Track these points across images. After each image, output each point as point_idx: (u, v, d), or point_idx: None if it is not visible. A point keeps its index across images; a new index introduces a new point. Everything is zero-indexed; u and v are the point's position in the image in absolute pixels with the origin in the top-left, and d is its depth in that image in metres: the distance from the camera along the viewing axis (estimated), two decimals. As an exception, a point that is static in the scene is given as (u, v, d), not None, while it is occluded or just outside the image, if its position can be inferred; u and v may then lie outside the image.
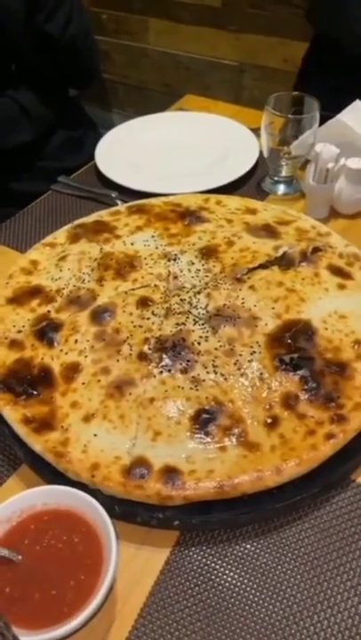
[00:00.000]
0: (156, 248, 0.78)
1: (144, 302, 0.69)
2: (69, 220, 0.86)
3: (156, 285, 0.72)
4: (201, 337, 0.65)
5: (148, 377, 0.62)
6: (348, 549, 0.54)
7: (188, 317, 0.68)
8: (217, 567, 0.54)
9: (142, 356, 0.64)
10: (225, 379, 0.62)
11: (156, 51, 2.18)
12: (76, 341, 0.66)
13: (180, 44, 2.09)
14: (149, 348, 0.64)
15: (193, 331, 0.66)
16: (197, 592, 0.53)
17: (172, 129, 1.13)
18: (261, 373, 0.62)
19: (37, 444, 0.58)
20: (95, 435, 0.58)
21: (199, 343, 0.65)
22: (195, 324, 0.67)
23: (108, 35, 2.24)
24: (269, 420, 0.59)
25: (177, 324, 0.67)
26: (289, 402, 0.60)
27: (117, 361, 0.64)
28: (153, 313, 0.68)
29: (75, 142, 1.29)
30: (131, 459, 0.56)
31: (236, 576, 0.53)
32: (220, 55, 1.99)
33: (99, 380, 0.62)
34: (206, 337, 0.65)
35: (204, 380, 0.62)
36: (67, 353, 0.65)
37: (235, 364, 0.63)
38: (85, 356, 0.65)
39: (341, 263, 0.75)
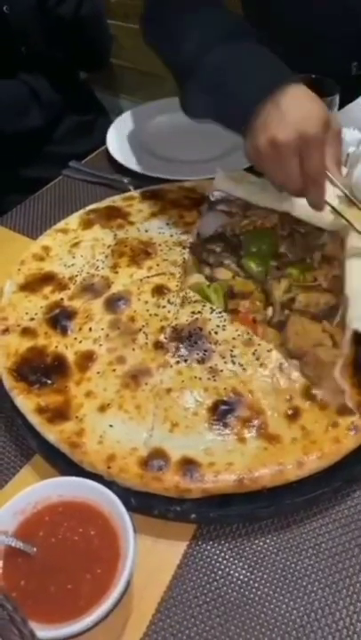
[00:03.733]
0: (171, 236, 0.76)
1: (160, 290, 0.68)
2: (81, 205, 0.84)
3: (171, 273, 0.70)
4: (218, 326, 0.64)
5: (164, 367, 0.60)
6: (371, 545, 0.53)
7: (204, 306, 0.66)
8: (235, 562, 0.53)
9: (158, 345, 0.62)
10: (243, 369, 0.60)
11: (166, 35, 2.13)
12: (90, 329, 0.65)
13: (190, 29, 2.04)
14: (165, 337, 0.63)
15: (210, 319, 0.64)
16: (215, 587, 0.51)
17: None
18: (281, 363, 0.60)
19: (52, 434, 0.57)
20: (111, 425, 0.56)
21: (216, 332, 0.63)
22: (211, 313, 0.65)
23: (117, 19, 2.19)
24: (290, 412, 0.57)
25: (193, 312, 0.65)
26: (310, 392, 0.58)
27: (133, 350, 0.62)
28: (169, 301, 0.66)
29: (85, 127, 1.26)
30: (148, 450, 0.55)
31: (254, 571, 0.52)
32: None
33: (114, 370, 0.61)
34: (224, 326, 0.64)
35: (221, 371, 0.60)
36: (81, 341, 0.64)
37: (253, 353, 0.61)
38: (100, 345, 0.63)
39: None
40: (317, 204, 0.65)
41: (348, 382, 0.57)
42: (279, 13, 1.03)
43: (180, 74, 0.76)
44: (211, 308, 0.65)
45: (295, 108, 0.61)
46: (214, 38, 0.71)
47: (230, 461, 0.54)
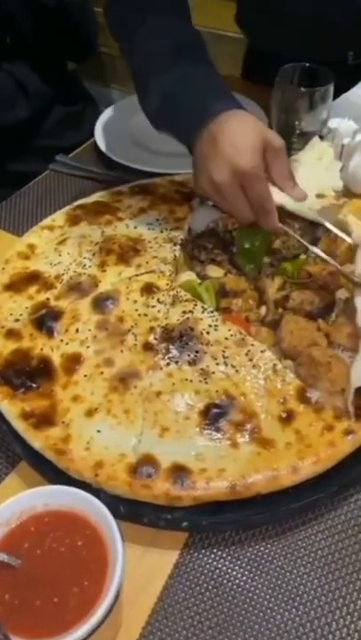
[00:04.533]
0: (161, 232, 0.73)
1: (149, 289, 0.65)
2: (68, 201, 0.82)
3: (161, 271, 0.68)
4: (210, 326, 0.61)
5: (154, 369, 0.58)
6: (368, 552, 0.51)
7: (195, 305, 0.63)
8: (228, 570, 0.51)
9: (148, 347, 0.60)
10: (236, 370, 0.58)
11: (156, 23, 2.09)
12: (77, 331, 0.62)
13: (182, 17, 2.00)
14: (155, 338, 0.61)
15: (201, 319, 0.62)
16: (208, 597, 0.50)
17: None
18: (275, 364, 0.58)
19: (37, 440, 0.55)
20: (98, 431, 0.54)
21: (208, 332, 0.61)
22: (203, 312, 0.63)
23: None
24: (284, 415, 0.55)
25: (184, 312, 0.63)
26: (305, 394, 0.56)
27: (121, 352, 0.60)
28: (159, 300, 0.64)
29: (73, 118, 1.23)
30: (137, 456, 0.53)
31: (248, 580, 0.51)
32: (224, 27, 1.91)
33: (102, 373, 0.59)
34: (216, 326, 0.61)
35: (213, 373, 0.58)
36: (67, 343, 0.61)
37: (246, 354, 0.59)
38: (87, 347, 0.61)
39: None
40: (272, 229, 0.65)
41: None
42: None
43: (134, 74, 0.76)
44: (202, 307, 0.63)
45: (228, 143, 0.60)
46: (166, 50, 0.71)
47: (222, 467, 0.52)
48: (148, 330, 0.61)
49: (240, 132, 0.61)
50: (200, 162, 0.64)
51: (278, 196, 0.74)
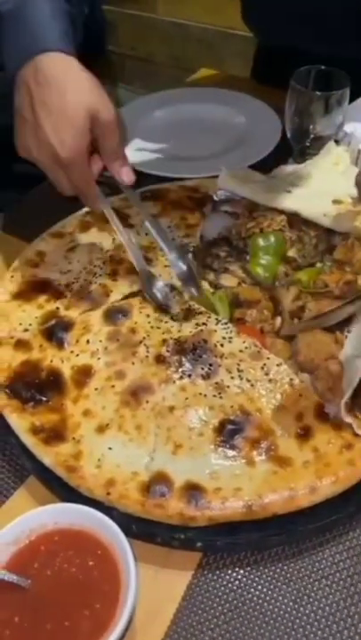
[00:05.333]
0: (173, 239, 0.72)
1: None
2: (78, 206, 0.79)
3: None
4: (224, 338, 0.60)
5: (166, 382, 0.57)
6: (388, 575, 0.50)
7: (209, 317, 0.62)
8: (244, 593, 0.50)
9: (160, 359, 0.58)
10: (251, 385, 0.56)
11: (165, 21, 2.07)
12: (87, 342, 0.61)
13: (190, 14, 1.98)
14: (168, 350, 0.59)
15: (215, 331, 0.60)
16: (223, 621, 0.48)
17: (186, 106, 1.06)
18: (292, 379, 0.57)
19: (47, 456, 0.53)
20: (110, 448, 0.53)
21: (222, 345, 0.59)
22: (217, 324, 0.61)
23: (113, 4, 2.12)
24: (301, 432, 0.53)
25: (197, 324, 0.61)
26: (323, 411, 0.55)
27: (133, 364, 0.58)
28: (172, 314, 0.62)
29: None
30: (149, 474, 0.51)
31: (265, 603, 0.49)
32: (233, 26, 1.89)
33: (113, 386, 0.57)
34: (230, 338, 0.60)
35: (228, 387, 0.56)
36: (78, 355, 0.60)
37: (262, 368, 0.58)
38: (98, 359, 0.59)
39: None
40: (93, 209, 0.64)
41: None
42: None
43: None
44: (216, 319, 0.62)
45: (47, 121, 0.55)
46: None
47: (238, 487, 0.50)
48: (160, 342, 0.60)
49: (61, 106, 0.55)
50: (17, 115, 0.59)
51: (292, 203, 0.72)
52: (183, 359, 0.58)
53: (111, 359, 0.59)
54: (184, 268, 0.65)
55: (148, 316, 0.62)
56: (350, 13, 0.94)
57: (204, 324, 0.61)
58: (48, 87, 0.56)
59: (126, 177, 0.61)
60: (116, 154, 0.60)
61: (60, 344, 0.61)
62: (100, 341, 0.61)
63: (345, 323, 0.61)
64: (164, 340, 0.60)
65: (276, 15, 1.03)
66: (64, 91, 0.56)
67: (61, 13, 0.63)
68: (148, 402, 0.56)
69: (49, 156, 0.57)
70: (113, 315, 0.62)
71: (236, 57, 1.93)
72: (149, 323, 0.61)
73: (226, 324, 0.61)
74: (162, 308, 0.62)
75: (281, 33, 1.06)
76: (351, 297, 0.60)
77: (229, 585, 0.50)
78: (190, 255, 0.69)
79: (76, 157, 0.56)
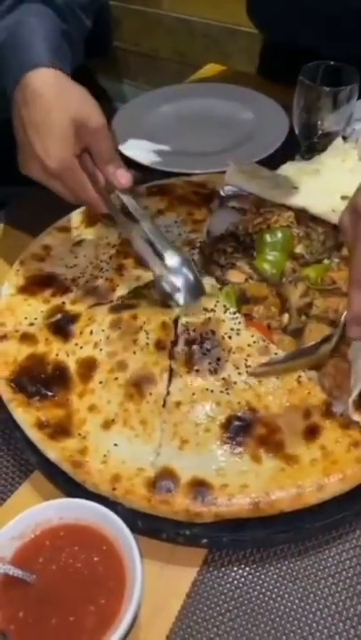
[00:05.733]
0: (180, 235, 0.71)
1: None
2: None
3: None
4: (232, 329, 0.59)
5: (167, 371, 0.56)
6: (395, 574, 0.50)
7: (217, 302, 0.61)
8: (249, 590, 0.49)
9: (160, 346, 0.58)
10: (259, 381, 0.56)
11: (170, 17, 2.06)
12: (91, 332, 0.60)
13: (196, 10, 1.97)
14: (174, 336, 0.58)
15: (223, 321, 0.60)
16: (228, 618, 0.48)
17: (193, 102, 1.05)
18: (299, 376, 0.56)
19: (53, 451, 0.53)
20: (115, 444, 0.53)
21: (230, 337, 0.59)
22: (225, 312, 0.60)
23: (118, 0, 2.12)
24: (309, 430, 0.53)
25: (205, 309, 0.60)
26: (330, 408, 0.54)
27: (134, 353, 0.58)
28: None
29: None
30: (155, 470, 0.51)
31: (270, 601, 0.49)
32: (239, 22, 1.88)
33: (116, 378, 0.57)
34: (238, 330, 0.59)
35: (235, 383, 0.56)
36: (82, 347, 0.60)
37: (269, 364, 0.57)
38: (100, 350, 0.59)
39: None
40: (98, 213, 0.64)
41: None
42: None
43: None
44: (224, 306, 0.61)
45: (36, 138, 0.57)
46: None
47: (245, 483, 0.50)
48: (159, 325, 0.59)
49: (45, 120, 0.57)
50: (16, 136, 0.61)
51: (300, 199, 0.72)
52: (190, 352, 0.58)
53: (112, 349, 0.59)
54: (190, 276, 0.63)
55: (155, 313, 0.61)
56: (354, 12, 0.93)
57: (212, 310, 0.60)
58: (33, 103, 0.58)
59: (123, 179, 0.61)
60: (110, 158, 0.60)
61: (65, 337, 0.61)
62: (103, 330, 0.60)
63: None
64: (164, 323, 0.59)
65: (281, 12, 1.03)
66: (48, 103, 0.58)
67: (55, 34, 0.65)
68: (151, 394, 0.55)
69: (40, 170, 0.59)
70: (119, 310, 0.62)
71: (241, 53, 1.92)
72: (152, 309, 0.61)
73: (234, 313, 0.60)
74: (168, 304, 0.62)
75: (286, 29, 1.06)
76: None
77: (235, 582, 0.50)
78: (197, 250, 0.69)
79: (64, 166, 0.58)
